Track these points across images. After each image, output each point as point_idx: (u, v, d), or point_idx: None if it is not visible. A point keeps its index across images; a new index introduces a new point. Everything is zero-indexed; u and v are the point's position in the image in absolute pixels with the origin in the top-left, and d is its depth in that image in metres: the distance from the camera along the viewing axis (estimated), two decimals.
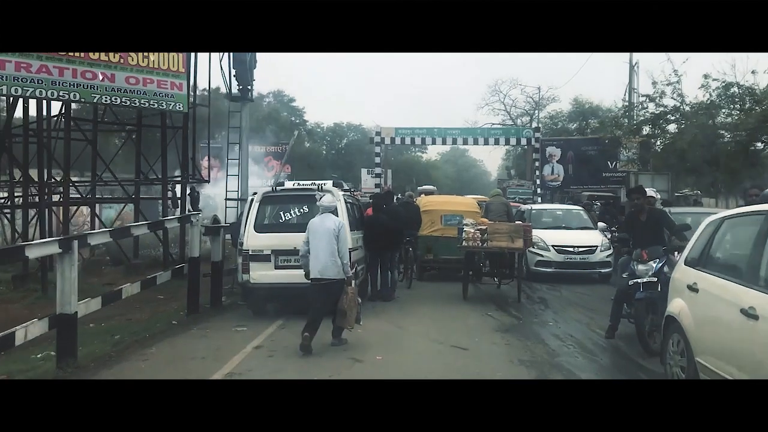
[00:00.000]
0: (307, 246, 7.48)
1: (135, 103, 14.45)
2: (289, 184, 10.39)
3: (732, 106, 21.54)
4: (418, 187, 29.01)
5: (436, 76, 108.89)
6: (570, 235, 13.97)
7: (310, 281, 7.51)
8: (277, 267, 9.23)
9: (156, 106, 14.67)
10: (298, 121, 48.84)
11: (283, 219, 9.50)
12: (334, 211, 7.87)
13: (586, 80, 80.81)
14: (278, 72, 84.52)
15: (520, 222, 12.64)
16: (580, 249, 13.48)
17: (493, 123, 44.09)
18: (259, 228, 9.39)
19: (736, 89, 20.95)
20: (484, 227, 10.86)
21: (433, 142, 33.23)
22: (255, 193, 9.91)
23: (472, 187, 55.38)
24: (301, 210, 9.48)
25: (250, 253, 9.23)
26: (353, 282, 7.64)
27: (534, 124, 40.30)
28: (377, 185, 33.28)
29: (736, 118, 21.13)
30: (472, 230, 10.81)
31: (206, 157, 18.88)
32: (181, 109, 15.06)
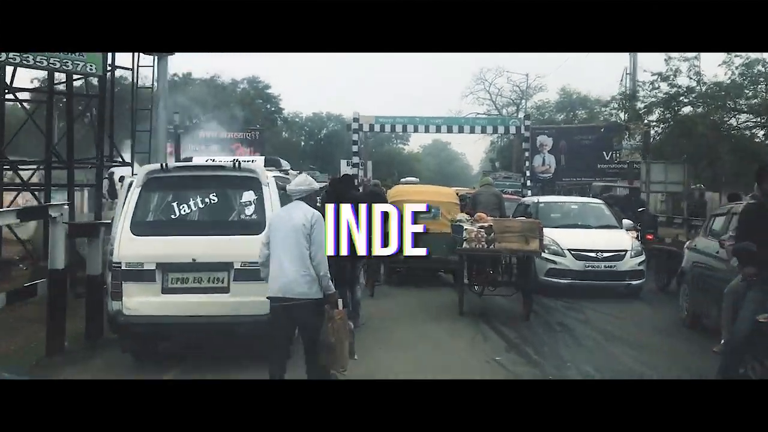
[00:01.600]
0: (268, 250, 4.83)
1: (28, 61, 10.67)
2: (200, 161, 6.76)
3: (756, 86, 18.27)
4: (401, 179, 25.88)
5: (421, 65, 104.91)
6: (590, 235, 10.44)
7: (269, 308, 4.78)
8: (166, 290, 5.61)
9: (58, 65, 10.91)
10: (273, 108, 44.88)
11: (178, 214, 5.82)
12: (308, 199, 4.86)
13: (576, 65, 76.34)
14: (253, 55, 79.79)
15: (524, 218, 9.47)
16: (606, 254, 9.96)
17: (477, 113, 40.54)
18: (139, 228, 5.72)
19: (761, 67, 17.71)
20: (487, 224, 8.17)
21: (415, 130, 29.94)
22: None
23: (454, 181, 51.99)
24: (207, 200, 5.85)
25: (124, 268, 5.59)
26: (339, 302, 4.95)
27: (520, 115, 36.86)
28: (354, 176, 29.83)
29: (761, 99, 17.90)
30: (475, 229, 8.07)
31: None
32: (94, 71, 11.35)
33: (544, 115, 40.35)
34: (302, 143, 51.10)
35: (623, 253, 10.01)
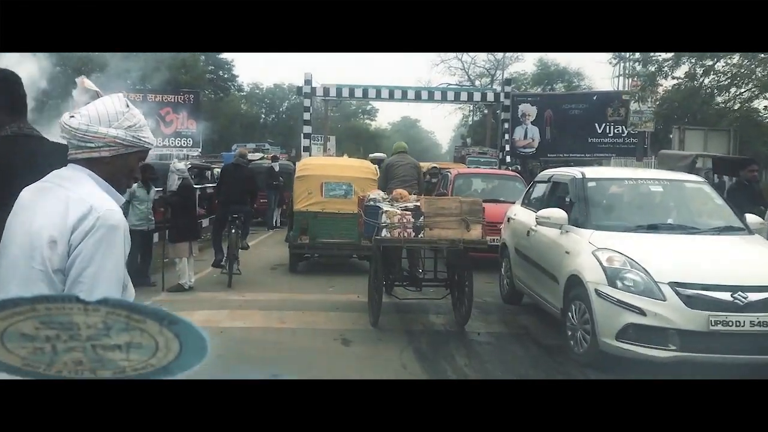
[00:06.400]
0: None
1: None
2: None
3: None
4: (369, 155, 20.37)
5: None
6: (711, 252, 4.67)
7: None
8: None
9: None
10: (226, 75, 38.23)
11: None
12: (104, 168, 1.15)
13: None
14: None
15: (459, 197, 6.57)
16: (754, 294, 4.20)
17: (449, 83, 34.54)
18: None
19: None
20: (412, 205, 5.51)
21: (378, 96, 23.94)
22: None
23: (423, 159, 46.19)
24: None
25: None
26: None
27: (495, 87, 31.09)
28: (306, 149, 23.81)
29: None
30: (398, 212, 5.43)
31: None
32: None
33: (519, 88, 34.70)
34: (262, 116, 44.61)
35: None
